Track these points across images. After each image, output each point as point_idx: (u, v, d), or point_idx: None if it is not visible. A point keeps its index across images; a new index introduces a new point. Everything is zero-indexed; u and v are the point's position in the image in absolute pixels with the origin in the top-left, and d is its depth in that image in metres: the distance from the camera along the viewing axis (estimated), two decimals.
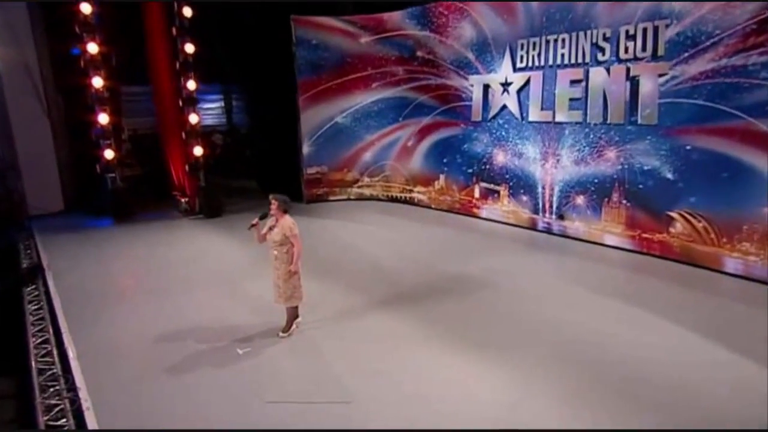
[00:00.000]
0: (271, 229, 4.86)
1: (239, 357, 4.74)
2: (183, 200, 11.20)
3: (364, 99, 11.69)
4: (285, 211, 4.85)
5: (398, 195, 11.77)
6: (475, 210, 10.27)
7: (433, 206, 11.03)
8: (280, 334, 5.08)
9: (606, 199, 7.80)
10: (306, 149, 11.73)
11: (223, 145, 16.29)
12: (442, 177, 10.95)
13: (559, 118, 8.40)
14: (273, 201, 4.83)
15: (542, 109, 8.65)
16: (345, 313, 5.59)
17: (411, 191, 11.56)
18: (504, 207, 9.68)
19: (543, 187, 8.90)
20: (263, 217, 4.89)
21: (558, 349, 4.63)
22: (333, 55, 11.26)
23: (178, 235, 9.38)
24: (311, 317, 5.41)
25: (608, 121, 7.60)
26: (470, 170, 10.25)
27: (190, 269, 7.21)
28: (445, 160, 10.79)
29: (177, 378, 4.42)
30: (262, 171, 13.14)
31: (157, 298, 6.19)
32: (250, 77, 13.05)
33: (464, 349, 4.76)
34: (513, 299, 5.90)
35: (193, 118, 10.76)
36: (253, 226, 4.85)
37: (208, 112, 17.00)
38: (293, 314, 5.17)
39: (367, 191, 12.34)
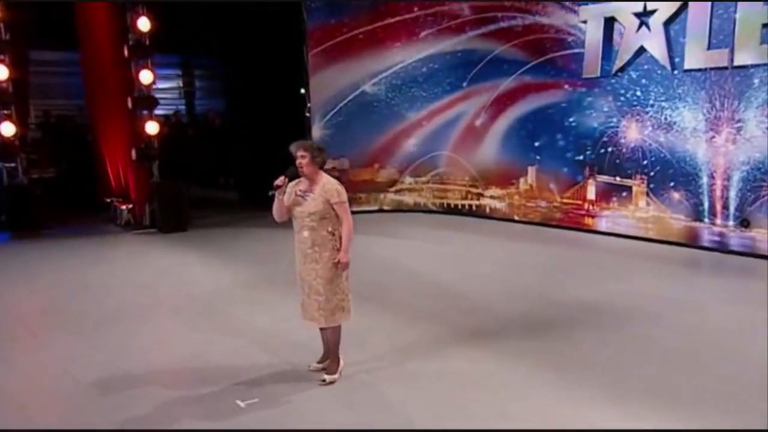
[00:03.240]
0: (300, 196, 4.81)
1: (240, 411, 4.66)
2: (124, 208, 11.45)
3: (406, 56, 11.89)
4: (321, 167, 4.86)
5: (459, 203, 12.04)
6: (587, 220, 10.26)
7: (516, 217, 11.27)
8: (325, 377, 5.01)
9: None
10: (317, 133, 11.89)
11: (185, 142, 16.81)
12: (531, 171, 10.96)
13: (742, 60, 8.25)
14: (302, 150, 4.79)
15: (710, 47, 8.54)
16: (409, 350, 5.69)
17: (480, 196, 11.77)
18: (639, 213, 9.58)
19: (711, 177, 8.78)
20: (292, 176, 4.83)
21: None
22: None
23: (120, 254, 9.78)
24: (358, 356, 5.41)
25: None
26: (580, 157, 10.24)
27: (142, 295, 7.47)
28: (537, 145, 10.81)
29: None
30: (246, 174, 13.70)
31: (87, 332, 6.32)
32: (229, 36, 13.45)
33: (616, 400, 4.75)
34: (682, 336, 5.97)
35: (146, 77, 10.85)
36: (277, 188, 4.79)
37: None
38: (338, 341, 5.05)
39: (409, 198, 12.42)
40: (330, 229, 4.78)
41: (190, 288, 7.64)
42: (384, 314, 6.52)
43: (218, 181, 16.32)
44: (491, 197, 11.59)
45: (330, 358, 5.02)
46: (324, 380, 4.93)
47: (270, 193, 4.83)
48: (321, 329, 5.02)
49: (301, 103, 12.08)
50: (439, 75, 11.79)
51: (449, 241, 10.11)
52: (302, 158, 4.76)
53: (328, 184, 4.79)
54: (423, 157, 12.17)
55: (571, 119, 10.29)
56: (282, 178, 4.80)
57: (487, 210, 11.64)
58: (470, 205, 11.87)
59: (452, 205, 12.08)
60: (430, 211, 12.20)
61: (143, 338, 6.07)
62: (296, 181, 4.83)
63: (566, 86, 10.29)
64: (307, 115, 12.00)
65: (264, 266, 8.45)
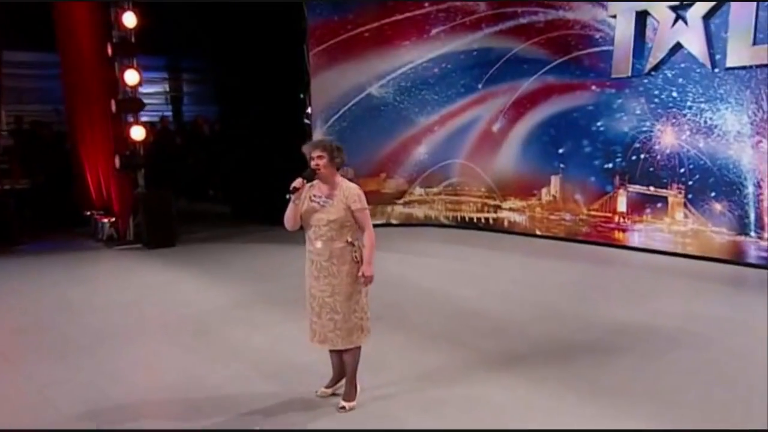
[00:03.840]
0: (315, 202, 4.79)
1: None
2: (106, 221, 11.44)
3: (416, 55, 11.88)
4: (339, 168, 4.85)
5: (474, 216, 12.07)
6: (618, 234, 10.23)
7: (538, 231, 11.26)
8: (344, 404, 4.98)
9: None
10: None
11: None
12: (555, 181, 10.95)
13: None
14: (318, 150, 4.77)
15: (755, 43, 8.48)
16: (430, 375, 5.70)
17: (497, 208, 11.78)
18: (676, 226, 9.54)
19: (757, 186, 8.73)
20: (310, 177, 4.78)
21: None
22: None
23: (103, 271, 9.87)
24: (374, 380, 5.40)
25: None
26: (609, 165, 10.23)
27: (128, 315, 7.52)
28: (561, 152, 10.81)
29: None
30: (239, 185, 13.78)
31: (69, 355, 6.34)
32: (221, 36, 13.45)
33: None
34: (733, 360, 5.97)
35: (131, 77, 10.81)
36: (295, 191, 4.75)
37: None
38: (356, 364, 5.01)
39: (419, 210, 12.40)
40: (349, 239, 4.74)
41: (180, 307, 7.67)
42: (399, 335, 6.53)
43: (208, 193, 16.34)
44: (510, 210, 11.55)
45: (347, 384, 4.97)
46: (343, 407, 4.89)
47: (287, 197, 4.79)
48: (333, 352, 4.97)
49: (301, 107, 12.04)
50: (452, 76, 11.76)
51: (464, 257, 10.14)
52: (319, 159, 4.71)
53: (348, 189, 4.76)
54: (434, 166, 12.15)
55: (599, 123, 10.24)
56: (300, 180, 4.74)
57: (506, 224, 11.62)
58: (487, 219, 11.86)
59: (467, 219, 12.08)
60: (443, 225, 12.20)
61: (131, 362, 6.07)
62: (309, 185, 4.78)
63: (593, 87, 10.24)
64: (307, 121, 11.97)
65: (260, 284, 8.52)
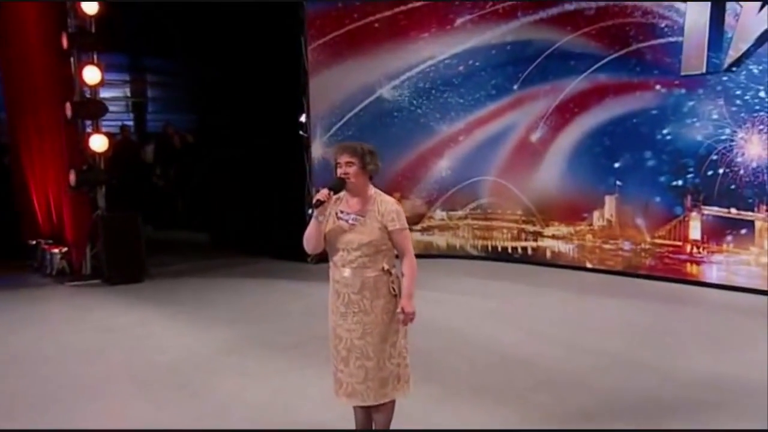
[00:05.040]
0: (344, 220, 4.76)
1: None
2: (57, 251, 11.43)
3: (438, 50, 11.92)
4: (372, 178, 4.81)
5: (509, 245, 12.06)
6: (691, 267, 10.10)
7: (589, 264, 11.20)
8: None
9: None
10: (318, 152, 11.95)
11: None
12: (610, 202, 10.86)
13: None
14: (347, 154, 4.71)
15: None
16: None
17: (538, 236, 11.72)
18: (765, 257, 9.43)
19: None
20: (338, 188, 4.71)
21: None
22: None
23: (55, 313, 9.90)
24: None
25: None
26: (678, 182, 10.15)
27: (90, 365, 7.51)
28: (617, 166, 10.72)
29: None
30: (219, 209, 14.05)
31: (18, 416, 6.33)
32: (197, 28, 13.56)
33: None
34: None
35: (91, 75, 10.82)
36: (320, 204, 4.65)
37: None
38: (389, 424, 4.96)
39: (441, 238, 12.45)
40: (386, 267, 4.69)
41: (153, 354, 7.64)
42: (434, 387, 6.44)
43: (182, 218, 16.36)
44: (553, 237, 11.50)
45: None
46: None
47: (312, 209, 4.74)
48: (359, 407, 4.88)
49: (297, 114, 12.01)
50: (481, 75, 11.74)
51: (500, 294, 10.09)
52: (348, 166, 4.64)
53: (384, 204, 4.71)
54: (460, 185, 12.13)
55: (665, 131, 10.15)
56: (325, 191, 4.64)
57: (548, 255, 11.58)
58: (524, 249, 11.83)
59: (499, 249, 12.06)
60: (469, 257, 12.20)
61: (93, 422, 5.99)
62: (335, 198, 4.71)
63: (658, 87, 10.14)
64: (302, 133, 11.96)
65: (251, 326, 8.51)
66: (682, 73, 9.85)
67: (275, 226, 12.26)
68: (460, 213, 12.22)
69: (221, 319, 8.85)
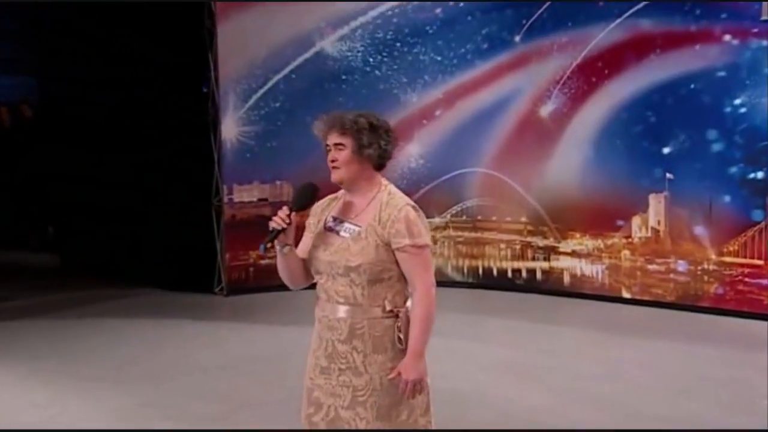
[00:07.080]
0: (332, 229, 3.91)
1: None
2: None
3: None
4: (379, 166, 3.84)
5: (509, 266, 11.30)
6: None
7: (627, 293, 10.37)
8: None
9: None
10: (230, 133, 10.96)
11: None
12: (655, 203, 10.02)
13: None
14: (336, 130, 3.74)
15: None
16: None
17: (551, 252, 10.86)
18: None
19: None
20: (302, 204, 3.89)
21: None
22: None
23: None
24: None
25: None
26: (756, 174, 9.46)
27: None
28: (666, 152, 9.88)
29: None
30: (73, 219, 13.21)
31: None
32: None
33: None
34: None
35: None
36: (274, 233, 3.78)
37: None
38: None
39: None
40: (387, 305, 3.78)
41: None
42: None
43: (20, 233, 15.51)
44: (574, 255, 10.63)
45: None
46: None
47: (262, 246, 3.94)
48: None
49: (201, 74, 10.96)
50: (467, 21, 10.92)
51: (506, 337, 9.27)
52: (338, 150, 3.74)
53: (389, 207, 3.76)
54: (436, 180, 11.34)
55: (737, 102, 9.26)
56: (284, 211, 3.75)
57: (567, 280, 10.75)
58: (531, 271, 11.02)
59: (495, 272, 11.34)
60: (452, 283, 11.14)
61: None
62: (328, 199, 3.95)
63: (726, 38, 9.23)
64: (208, 105, 10.88)
65: (150, 388, 7.37)
66: (763, 18, 9.04)
67: (166, 243, 11.11)
68: (437, 221, 11.30)
69: (103, 379, 7.60)
